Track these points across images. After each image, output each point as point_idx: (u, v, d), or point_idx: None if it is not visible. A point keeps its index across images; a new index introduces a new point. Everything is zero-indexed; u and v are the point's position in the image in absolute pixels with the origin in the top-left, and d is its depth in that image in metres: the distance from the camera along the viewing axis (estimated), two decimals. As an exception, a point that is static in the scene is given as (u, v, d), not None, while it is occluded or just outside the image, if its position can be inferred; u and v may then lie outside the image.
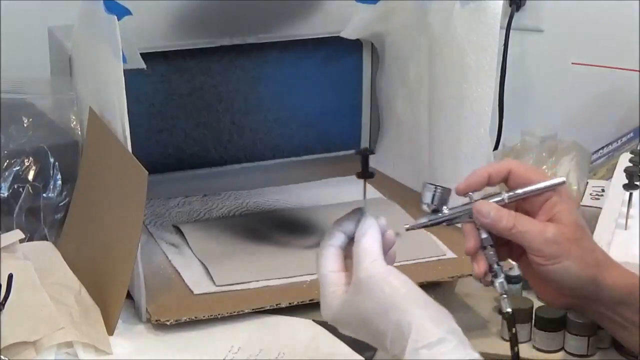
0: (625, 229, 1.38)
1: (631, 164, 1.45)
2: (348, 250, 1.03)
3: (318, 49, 1.72)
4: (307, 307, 1.31)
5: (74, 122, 1.45)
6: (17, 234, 1.30)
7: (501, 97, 1.78)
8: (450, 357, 0.94)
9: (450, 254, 1.42)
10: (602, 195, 1.52)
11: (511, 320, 1.07)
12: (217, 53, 1.66)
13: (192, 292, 1.33)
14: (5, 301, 1.16)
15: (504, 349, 1.38)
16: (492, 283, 1.08)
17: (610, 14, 1.77)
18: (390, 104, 1.69)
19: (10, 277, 1.19)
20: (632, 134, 1.71)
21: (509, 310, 1.06)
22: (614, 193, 1.43)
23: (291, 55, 1.71)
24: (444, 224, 1.09)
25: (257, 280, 1.35)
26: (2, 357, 1.15)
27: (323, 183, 1.67)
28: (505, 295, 1.08)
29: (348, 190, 1.64)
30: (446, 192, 1.08)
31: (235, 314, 1.29)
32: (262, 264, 1.40)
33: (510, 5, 1.79)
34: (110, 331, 1.25)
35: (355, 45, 1.72)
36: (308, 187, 1.66)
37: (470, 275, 1.39)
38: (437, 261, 1.41)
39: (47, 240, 1.38)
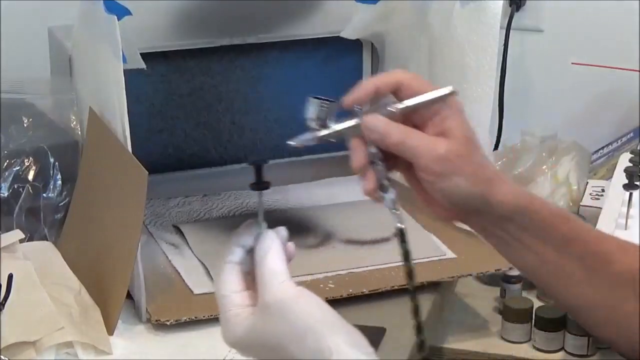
0: (625, 229, 1.38)
1: (631, 164, 1.45)
2: (247, 264, 0.96)
3: (318, 49, 1.72)
4: (307, 307, 1.31)
5: (74, 122, 1.45)
6: (17, 234, 1.30)
7: (501, 97, 1.78)
8: None
9: (450, 254, 1.42)
10: (602, 195, 1.52)
11: (401, 235, 0.99)
12: (217, 53, 1.66)
13: (192, 292, 1.33)
14: (5, 301, 1.16)
15: (504, 349, 1.39)
16: (382, 199, 1.02)
17: (610, 14, 1.77)
18: (390, 104, 1.68)
19: (10, 277, 1.19)
20: (632, 134, 1.71)
21: (400, 225, 0.99)
22: (614, 193, 1.43)
23: (291, 55, 1.71)
24: (333, 139, 1.03)
25: (257, 280, 1.35)
26: (2, 357, 1.15)
27: (323, 183, 1.67)
28: (395, 210, 1.01)
29: (348, 190, 1.64)
30: (332, 106, 1.02)
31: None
32: (262, 264, 1.40)
33: (510, 5, 1.80)
34: (110, 331, 1.25)
35: (355, 45, 1.72)
36: (308, 187, 1.66)
37: (470, 275, 1.40)
38: (437, 261, 1.41)
39: (47, 240, 1.38)
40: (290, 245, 0.97)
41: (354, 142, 1.02)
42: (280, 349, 0.90)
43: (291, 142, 1.04)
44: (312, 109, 1.03)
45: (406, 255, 0.99)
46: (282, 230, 0.97)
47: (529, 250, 1.05)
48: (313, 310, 0.91)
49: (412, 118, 1.02)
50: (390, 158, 1.03)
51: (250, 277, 0.95)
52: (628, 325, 1.04)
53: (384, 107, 1.01)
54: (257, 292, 0.93)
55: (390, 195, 1.02)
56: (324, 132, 1.03)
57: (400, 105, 1.01)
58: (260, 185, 1.00)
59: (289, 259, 0.96)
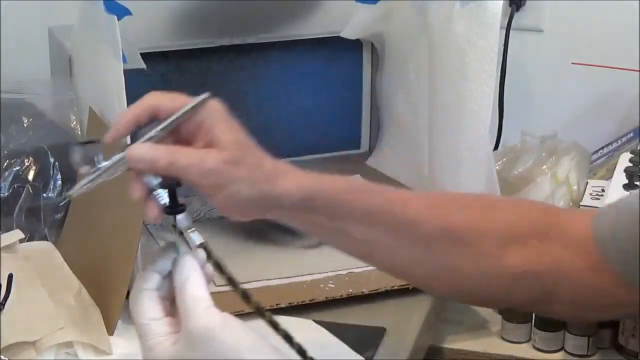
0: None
1: (631, 164, 1.45)
2: (164, 290, 0.93)
3: (318, 49, 1.72)
4: (307, 307, 1.31)
5: (74, 122, 1.45)
6: (17, 234, 1.30)
7: (501, 97, 1.78)
8: None
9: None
10: (602, 195, 1.52)
11: (207, 252, 0.95)
12: (217, 53, 1.66)
13: (192, 292, 1.33)
14: (5, 301, 1.16)
15: (504, 349, 1.39)
16: (174, 224, 0.96)
17: (610, 14, 1.77)
18: (390, 104, 1.69)
19: (10, 277, 1.19)
20: (632, 134, 1.71)
21: (202, 242, 0.95)
22: (614, 193, 1.43)
23: (291, 55, 1.71)
24: (104, 179, 0.96)
25: (257, 280, 1.35)
26: (2, 357, 1.15)
27: (323, 183, 1.67)
28: (192, 229, 0.96)
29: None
30: (96, 146, 0.95)
31: (235, 314, 1.28)
32: (262, 264, 1.40)
33: (510, 5, 1.79)
34: (110, 331, 1.25)
35: (355, 45, 1.72)
36: (308, 187, 1.65)
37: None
38: (437, 261, 1.41)
39: (47, 240, 1.38)
40: (209, 267, 0.94)
41: (130, 174, 0.96)
42: None
43: (70, 193, 0.97)
44: (76, 155, 0.96)
45: (219, 267, 0.95)
46: (200, 253, 0.94)
47: (337, 233, 1.04)
48: (240, 338, 0.89)
49: (180, 137, 0.97)
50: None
51: (169, 303, 0.92)
52: (459, 279, 1.04)
53: (145, 134, 0.96)
54: (179, 319, 0.90)
55: (180, 215, 0.96)
56: (93, 176, 0.96)
57: (160, 127, 0.95)
58: (175, 208, 0.95)
59: (209, 281, 0.93)
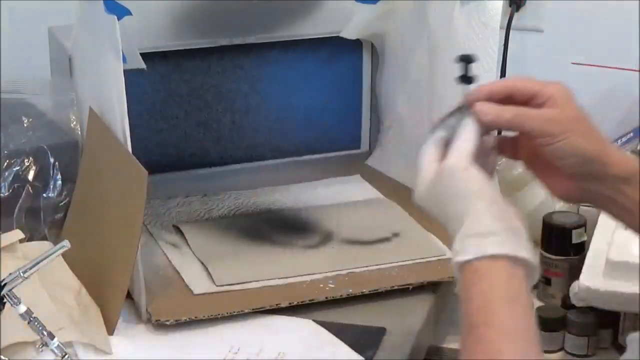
0: (625, 229, 1.37)
1: (631, 164, 1.45)
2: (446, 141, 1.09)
3: (318, 49, 1.72)
4: (307, 307, 1.31)
5: (74, 122, 1.45)
6: (17, 234, 1.30)
7: (501, 97, 1.78)
8: (493, 249, 0.96)
9: (450, 254, 1.42)
10: (602, 195, 1.52)
11: None
12: (217, 53, 1.66)
13: (192, 292, 1.33)
14: (5, 301, 1.16)
15: (504, 349, 1.38)
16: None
17: (610, 14, 1.77)
18: (390, 104, 1.69)
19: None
20: (632, 134, 1.71)
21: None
22: (614, 193, 1.43)
23: (291, 55, 1.71)
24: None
25: (257, 280, 1.35)
26: (2, 357, 1.15)
27: (323, 183, 1.67)
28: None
29: (348, 190, 1.64)
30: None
31: (235, 314, 1.29)
32: (262, 264, 1.40)
33: (510, 5, 1.79)
34: (110, 331, 1.25)
35: (355, 45, 1.72)
36: (308, 187, 1.66)
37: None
38: (437, 261, 1.41)
39: (47, 240, 1.38)
40: (488, 138, 1.10)
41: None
42: (443, 206, 1.04)
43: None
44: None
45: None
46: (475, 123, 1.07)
47: None
48: (473, 182, 1.03)
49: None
50: (505, 147, 1.13)
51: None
52: None
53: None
54: None
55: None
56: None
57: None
58: (467, 79, 1.10)
59: (486, 150, 1.09)
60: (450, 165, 1.04)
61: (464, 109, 1.08)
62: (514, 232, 0.98)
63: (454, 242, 1.00)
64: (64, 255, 1.30)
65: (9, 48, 1.79)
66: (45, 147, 1.41)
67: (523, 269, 0.97)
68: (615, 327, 1.37)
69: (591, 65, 1.81)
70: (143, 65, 1.47)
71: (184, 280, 1.36)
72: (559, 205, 1.55)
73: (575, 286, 1.34)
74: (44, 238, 1.39)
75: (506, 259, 0.96)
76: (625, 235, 1.33)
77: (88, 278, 1.29)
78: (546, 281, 1.46)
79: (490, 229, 0.98)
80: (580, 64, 1.82)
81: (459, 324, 0.96)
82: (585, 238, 1.45)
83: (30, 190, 1.39)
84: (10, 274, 1.13)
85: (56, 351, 1.14)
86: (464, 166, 1.03)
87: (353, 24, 1.65)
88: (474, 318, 0.94)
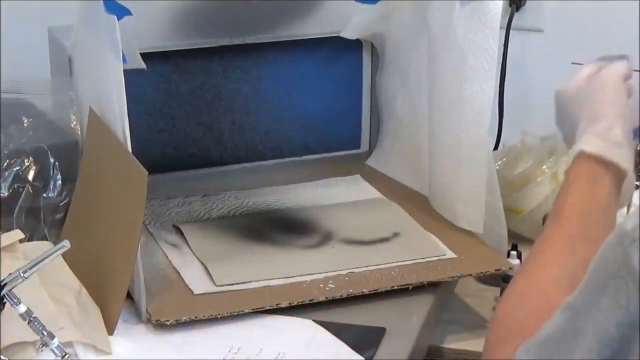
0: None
1: (631, 164, 1.45)
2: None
3: (318, 49, 1.72)
4: (307, 307, 1.31)
5: (74, 122, 1.45)
6: (17, 234, 1.30)
7: (501, 97, 1.78)
8: (619, 160, 1.12)
9: (450, 254, 1.42)
10: (602, 195, 1.52)
11: None
12: (217, 53, 1.66)
13: (192, 292, 1.33)
14: (5, 301, 1.16)
15: (504, 349, 1.38)
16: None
17: (610, 14, 1.77)
18: (390, 104, 1.69)
19: (10, 277, 1.18)
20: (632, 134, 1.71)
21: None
22: (614, 193, 1.43)
23: (291, 55, 1.71)
24: None
25: (257, 280, 1.35)
26: (2, 357, 1.15)
27: (323, 183, 1.67)
28: None
29: (348, 190, 1.64)
30: None
31: (235, 314, 1.29)
32: (262, 264, 1.40)
33: (510, 5, 1.79)
34: (110, 331, 1.25)
35: (355, 45, 1.72)
36: (308, 187, 1.66)
37: (470, 275, 1.40)
38: (437, 261, 1.41)
39: (47, 240, 1.38)
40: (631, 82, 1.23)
41: None
42: (583, 102, 1.17)
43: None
44: None
45: None
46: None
47: None
48: (622, 95, 1.16)
49: None
50: None
51: None
52: None
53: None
54: None
55: None
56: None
57: None
58: None
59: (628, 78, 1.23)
60: (610, 74, 1.18)
61: (626, 56, 1.24)
62: (631, 152, 1.14)
63: (581, 133, 1.14)
64: (64, 255, 1.30)
65: (9, 48, 1.79)
66: (45, 147, 1.41)
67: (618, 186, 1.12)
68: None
69: (591, 65, 1.80)
70: (143, 65, 1.47)
71: (184, 280, 1.36)
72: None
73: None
74: (44, 238, 1.39)
75: (616, 171, 1.10)
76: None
77: (88, 278, 1.29)
78: (546, 281, 1.46)
79: (620, 140, 1.12)
80: (580, 64, 1.82)
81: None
82: (585, 238, 1.45)
83: (30, 190, 1.39)
84: (10, 274, 1.13)
85: (56, 351, 1.14)
86: (619, 80, 1.18)
87: (353, 24, 1.65)
88: (566, 211, 1.09)
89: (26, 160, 1.40)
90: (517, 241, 1.45)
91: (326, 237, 1.47)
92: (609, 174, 1.10)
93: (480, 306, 1.45)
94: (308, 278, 1.36)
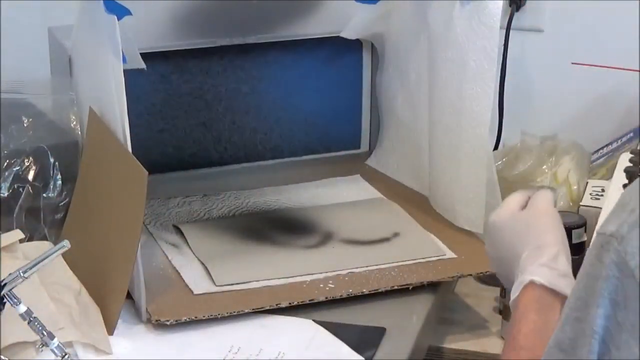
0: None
1: (631, 164, 1.45)
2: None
3: (318, 49, 1.72)
4: (307, 307, 1.31)
5: (74, 122, 1.45)
6: (17, 234, 1.30)
7: (501, 97, 1.78)
8: (565, 289, 1.07)
9: (450, 254, 1.42)
10: (602, 195, 1.52)
11: None
12: (217, 53, 1.66)
13: (192, 292, 1.33)
14: (5, 301, 1.16)
15: (504, 349, 1.38)
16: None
17: (610, 14, 1.77)
18: (390, 104, 1.69)
19: (10, 277, 1.18)
20: (632, 134, 1.71)
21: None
22: (614, 193, 1.43)
23: (291, 55, 1.71)
24: None
25: (257, 280, 1.35)
26: (2, 357, 1.15)
27: (323, 183, 1.67)
28: None
29: (348, 190, 1.64)
30: None
31: (235, 314, 1.29)
32: (262, 264, 1.40)
33: (510, 5, 1.79)
34: (110, 331, 1.25)
35: (355, 45, 1.72)
36: (308, 187, 1.66)
37: (470, 275, 1.40)
38: (437, 261, 1.41)
39: (47, 240, 1.38)
40: None
41: None
42: (523, 231, 1.14)
43: None
44: None
45: None
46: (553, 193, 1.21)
47: None
48: (547, 227, 1.14)
49: None
50: None
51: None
52: None
53: None
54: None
55: None
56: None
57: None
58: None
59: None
60: (542, 199, 1.17)
61: (551, 189, 1.21)
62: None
63: (526, 264, 1.11)
64: (64, 255, 1.30)
65: (9, 48, 1.79)
66: (45, 147, 1.41)
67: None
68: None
69: (591, 65, 1.81)
70: (143, 65, 1.47)
71: (184, 280, 1.36)
72: (559, 205, 1.55)
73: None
74: (44, 238, 1.39)
75: (564, 299, 1.03)
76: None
77: (88, 278, 1.29)
78: (546, 281, 1.45)
79: (566, 269, 1.10)
80: (580, 64, 1.82)
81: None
82: (585, 238, 1.44)
83: (30, 190, 1.39)
84: (10, 274, 1.13)
85: (56, 351, 1.14)
86: (544, 212, 1.15)
87: (353, 24, 1.65)
88: (521, 341, 1.07)
89: (26, 160, 1.40)
90: (517, 241, 1.45)
91: (326, 237, 1.47)
92: (558, 302, 1.09)
93: (480, 306, 1.45)
94: (308, 278, 1.36)
